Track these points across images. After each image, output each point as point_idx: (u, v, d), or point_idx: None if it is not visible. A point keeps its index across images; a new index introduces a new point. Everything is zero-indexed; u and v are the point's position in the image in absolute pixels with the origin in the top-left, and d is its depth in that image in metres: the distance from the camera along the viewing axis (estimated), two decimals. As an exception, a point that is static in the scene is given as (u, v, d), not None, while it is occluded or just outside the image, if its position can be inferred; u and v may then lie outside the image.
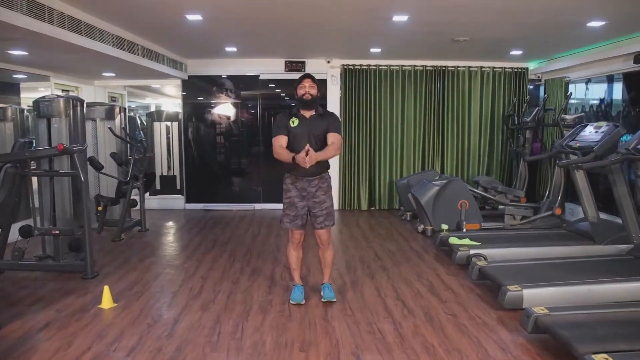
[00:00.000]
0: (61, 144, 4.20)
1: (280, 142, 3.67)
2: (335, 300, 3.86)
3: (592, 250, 4.85)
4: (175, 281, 4.42)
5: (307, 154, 3.39)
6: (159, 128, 8.63)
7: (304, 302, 3.83)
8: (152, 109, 10.35)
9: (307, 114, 3.71)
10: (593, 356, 2.58)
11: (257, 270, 4.75)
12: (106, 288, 3.81)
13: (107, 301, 3.76)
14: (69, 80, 7.10)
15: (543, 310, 3.19)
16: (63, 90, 6.90)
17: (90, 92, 7.70)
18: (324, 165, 3.73)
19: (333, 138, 3.67)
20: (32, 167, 4.72)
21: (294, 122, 3.68)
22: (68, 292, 4.06)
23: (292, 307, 3.77)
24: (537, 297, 3.62)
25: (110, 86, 8.21)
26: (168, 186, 8.53)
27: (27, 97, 6.30)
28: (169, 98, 10.60)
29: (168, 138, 8.68)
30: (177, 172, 8.59)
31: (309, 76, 3.73)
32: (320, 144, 3.67)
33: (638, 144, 4.36)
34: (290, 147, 3.66)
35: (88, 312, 3.65)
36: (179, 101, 8.42)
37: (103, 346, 3.09)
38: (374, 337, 3.26)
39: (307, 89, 3.65)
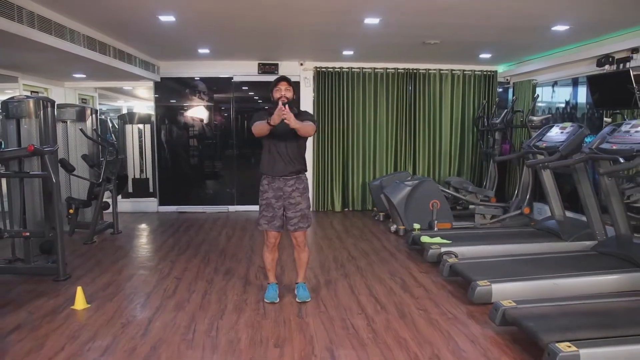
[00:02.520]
0: (32, 145, 4.14)
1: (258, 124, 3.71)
2: (309, 299, 3.90)
3: (559, 247, 5.01)
4: (149, 282, 4.40)
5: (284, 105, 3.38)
6: (131, 130, 8.55)
7: (278, 300, 3.87)
8: (124, 111, 10.24)
9: None
10: (557, 344, 2.69)
11: (232, 270, 4.76)
12: (79, 289, 3.78)
13: (80, 302, 3.73)
14: (38, 81, 6.97)
15: (511, 303, 3.30)
16: (32, 92, 6.77)
17: (60, 93, 7.58)
18: (301, 166, 3.77)
19: (308, 123, 3.69)
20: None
21: None
22: (39, 295, 4.00)
23: (266, 305, 3.81)
24: (506, 292, 3.73)
25: (81, 88, 8.09)
26: (140, 189, 8.45)
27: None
28: (140, 100, 10.49)
29: (140, 141, 8.61)
30: (149, 175, 8.51)
31: (285, 79, 3.70)
32: (296, 146, 3.72)
33: (600, 143, 4.52)
34: (267, 148, 3.71)
35: (60, 314, 3.61)
36: (151, 103, 8.36)
37: (76, 347, 3.07)
38: (348, 332, 3.32)
39: (283, 92, 3.62)
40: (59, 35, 4.57)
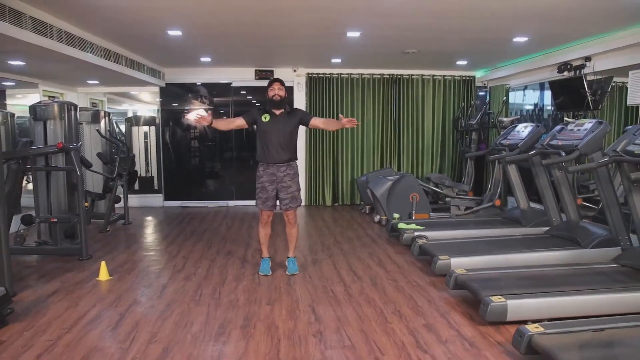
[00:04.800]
0: (61, 142, 4.84)
1: (236, 119, 4.48)
2: (297, 272, 4.60)
3: (518, 231, 5.70)
4: (160, 261, 5.10)
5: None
6: (137, 132, 9.25)
7: (270, 273, 4.57)
8: (130, 114, 10.92)
9: (277, 112, 4.44)
10: (490, 297, 3.39)
11: (231, 252, 5.46)
12: (103, 263, 4.50)
13: (103, 274, 4.43)
14: (55, 87, 7.68)
15: (462, 271, 4.00)
16: (49, 97, 7.46)
17: (74, 98, 8.25)
18: (292, 154, 4.47)
19: (317, 120, 4.46)
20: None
21: (266, 118, 4.42)
22: (68, 270, 4.71)
23: (260, 277, 4.51)
24: (462, 264, 4.38)
25: (92, 93, 8.80)
26: (146, 186, 9.13)
27: (11, 103, 6.88)
28: (144, 104, 11.19)
29: (146, 142, 9.31)
30: (154, 174, 9.21)
31: (278, 80, 4.48)
32: (288, 138, 4.41)
33: (551, 140, 5.23)
34: (262, 140, 4.42)
35: (88, 283, 4.32)
36: (154, 107, 9.04)
37: (105, 305, 3.78)
38: (327, 295, 4.02)
39: (276, 91, 4.39)
40: (81, 48, 5.27)
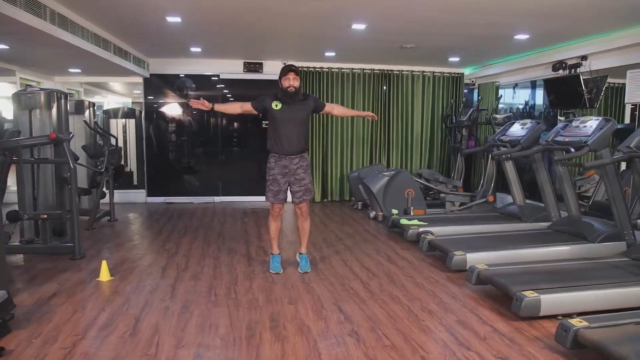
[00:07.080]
0: (53, 133, 4.50)
1: (243, 103, 4.28)
2: (310, 270, 4.43)
3: (519, 227, 5.70)
4: (160, 259, 4.83)
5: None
6: (115, 125, 8.84)
7: (282, 271, 4.38)
8: (106, 106, 10.45)
9: (290, 100, 4.18)
10: (523, 292, 3.33)
11: (233, 249, 5.23)
12: (104, 262, 4.20)
13: (104, 274, 4.14)
14: (33, 75, 7.23)
15: (483, 266, 3.93)
16: (27, 85, 7.01)
17: (50, 87, 7.82)
18: (304, 145, 4.29)
19: (331, 106, 4.31)
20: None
21: (277, 106, 4.17)
22: (62, 270, 4.38)
23: (273, 275, 4.32)
24: (478, 260, 4.32)
25: (69, 82, 8.34)
26: (125, 181, 8.72)
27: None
28: (119, 96, 10.71)
29: (124, 135, 8.90)
30: (133, 168, 8.81)
31: (292, 69, 4.11)
32: (301, 127, 4.22)
33: (555, 136, 5.24)
34: (273, 129, 4.21)
35: (89, 284, 4.02)
36: (129, 100, 8.62)
37: (115, 307, 3.51)
38: (349, 293, 3.88)
39: (291, 82, 4.09)
40: (73, 32, 4.93)
